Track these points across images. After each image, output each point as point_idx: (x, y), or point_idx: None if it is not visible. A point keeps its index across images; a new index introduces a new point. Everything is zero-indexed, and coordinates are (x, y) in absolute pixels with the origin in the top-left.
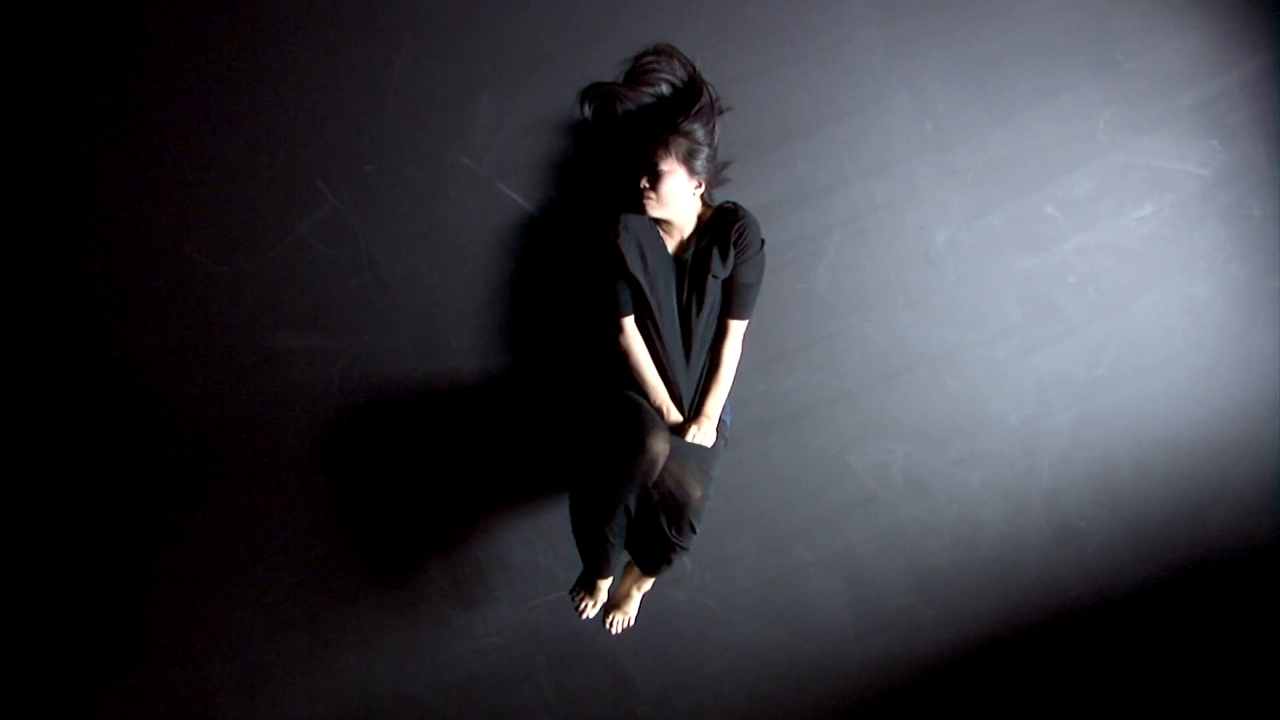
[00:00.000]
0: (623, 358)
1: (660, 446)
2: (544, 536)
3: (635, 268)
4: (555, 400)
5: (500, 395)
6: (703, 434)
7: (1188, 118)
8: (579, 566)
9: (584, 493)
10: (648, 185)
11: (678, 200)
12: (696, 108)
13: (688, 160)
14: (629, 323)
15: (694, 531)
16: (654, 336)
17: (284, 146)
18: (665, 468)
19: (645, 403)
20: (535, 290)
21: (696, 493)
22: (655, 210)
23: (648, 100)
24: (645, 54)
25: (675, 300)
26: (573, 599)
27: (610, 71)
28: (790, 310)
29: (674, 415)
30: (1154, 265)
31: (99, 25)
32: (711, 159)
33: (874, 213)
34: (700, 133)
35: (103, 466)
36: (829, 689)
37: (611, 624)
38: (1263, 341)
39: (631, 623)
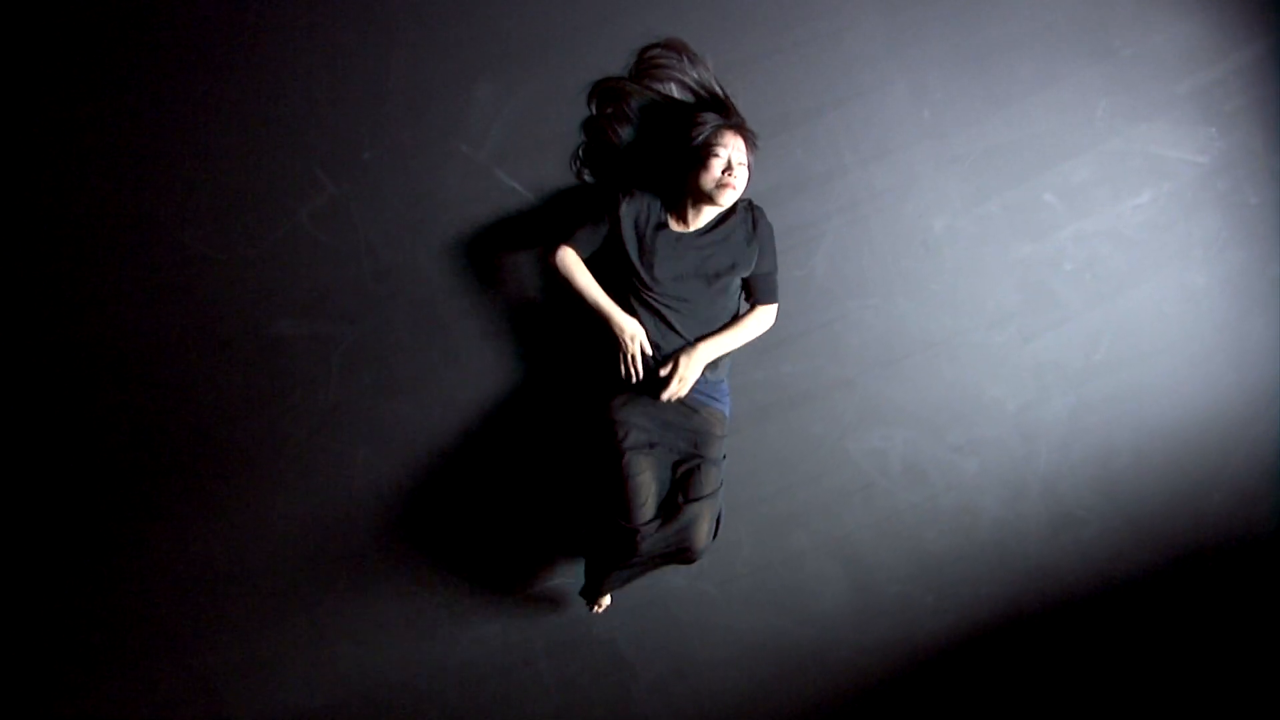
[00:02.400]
0: (562, 281)
1: (651, 543)
2: (543, 522)
3: (627, 235)
4: (555, 388)
5: (499, 383)
6: (673, 389)
7: (1185, 105)
8: (576, 553)
9: (590, 540)
10: (731, 175)
11: (743, 190)
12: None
13: (753, 154)
14: (568, 250)
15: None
16: (645, 304)
17: (283, 134)
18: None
19: (642, 478)
20: (533, 277)
21: (698, 543)
22: (732, 199)
23: (656, 97)
24: (652, 47)
25: (675, 273)
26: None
27: (609, 58)
28: (789, 297)
29: (628, 325)
30: (1151, 252)
31: (99, 15)
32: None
33: (872, 200)
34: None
35: (102, 455)
36: (827, 674)
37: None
38: (1260, 329)
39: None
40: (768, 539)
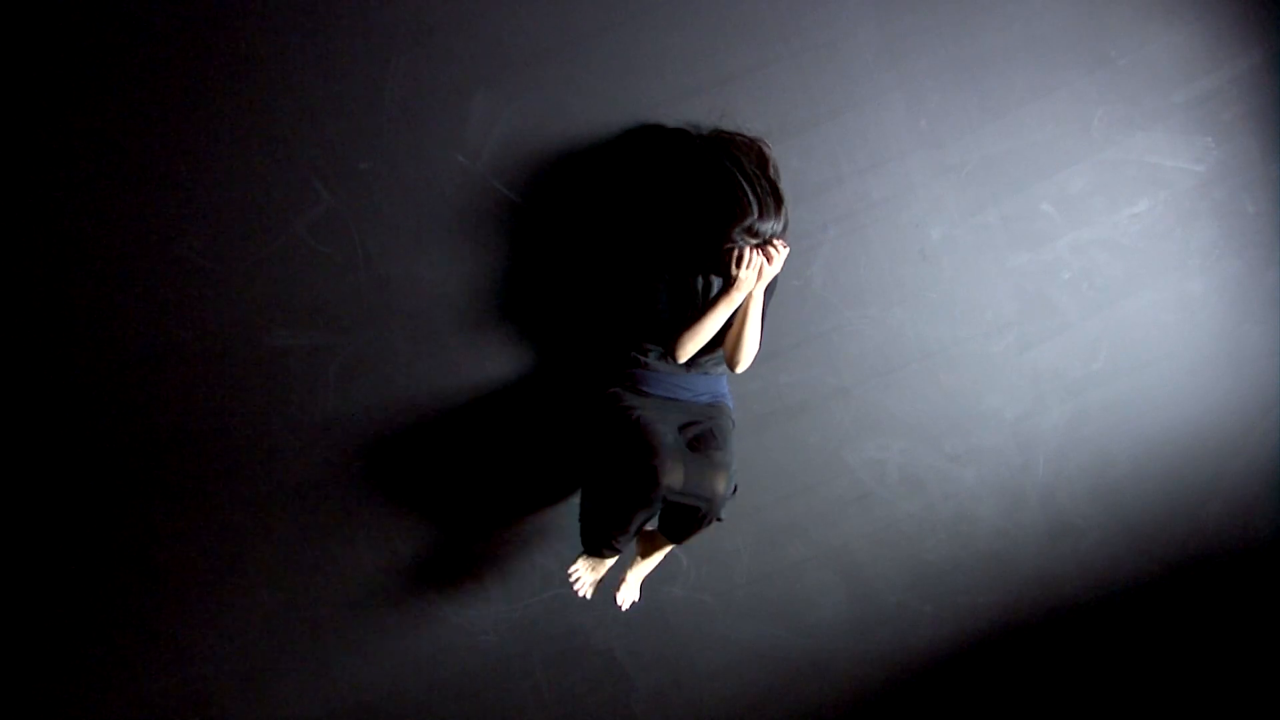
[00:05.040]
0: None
1: (674, 478)
2: (540, 534)
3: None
4: (553, 398)
5: (497, 392)
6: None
7: (1182, 114)
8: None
9: (595, 505)
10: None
11: None
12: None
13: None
14: (677, 338)
15: (719, 519)
16: (666, 325)
17: (279, 144)
18: (683, 489)
19: (656, 428)
20: (531, 288)
21: (719, 488)
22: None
23: (716, 170)
24: (734, 134)
25: (693, 298)
26: (570, 577)
27: (607, 70)
28: (786, 307)
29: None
30: (1149, 261)
31: (94, 24)
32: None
33: (869, 209)
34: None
35: (99, 466)
36: (825, 684)
37: (623, 599)
38: (1257, 337)
39: (636, 599)
40: (766, 549)
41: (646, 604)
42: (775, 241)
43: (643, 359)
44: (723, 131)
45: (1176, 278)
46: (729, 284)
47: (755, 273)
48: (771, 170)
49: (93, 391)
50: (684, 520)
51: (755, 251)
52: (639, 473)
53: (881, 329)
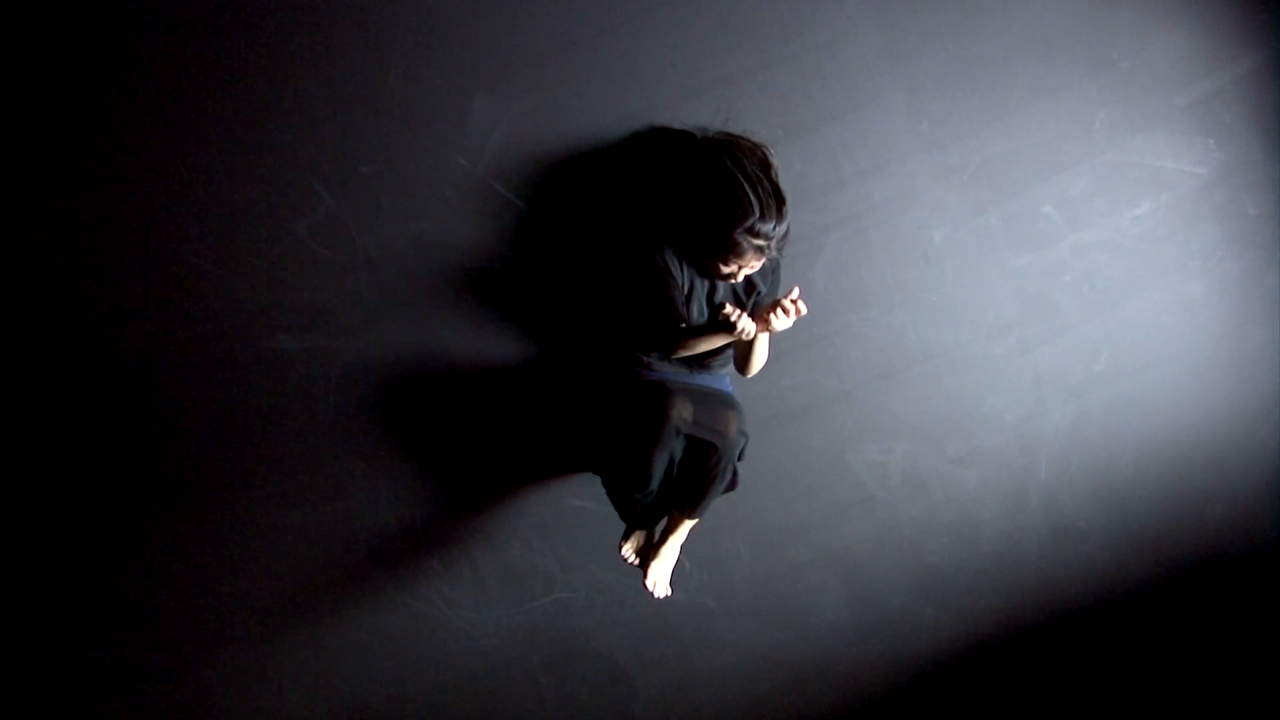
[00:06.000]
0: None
1: (683, 411)
2: (542, 537)
3: (684, 285)
4: (554, 399)
5: (497, 395)
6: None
7: (1183, 115)
8: (577, 568)
9: (613, 467)
10: (733, 278)
11: None
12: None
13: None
14: (681, 338)
15: (735, 481)
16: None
17: (280, 148)
18: (695, 421)
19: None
20: (532, 290)
21: (731, 426)
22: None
23: (718, 169)
24: (741, 137)
25: (703, 303)
26: (620, 550)
27: (607, 71)
28: None
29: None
30: (1150, 263)
31: (95, 26)
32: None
33: (870, 212)
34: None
35: (100, 469)
36: (827, 688)
37: (651, 582)
38: (1259, 338)
39: (669, 592)
40: (767, 552)
41: (648, 607)
42: (797, 303)
43: (645, 358)
44: (727, 134)
45: (1178, 280)
46: (727, 326)
47: (754, 324)
48: (774, 174)
49: (94, 394)
50: (698, 469)
51: (754, 261)
52: (650, 410)
53: (883, 331)
